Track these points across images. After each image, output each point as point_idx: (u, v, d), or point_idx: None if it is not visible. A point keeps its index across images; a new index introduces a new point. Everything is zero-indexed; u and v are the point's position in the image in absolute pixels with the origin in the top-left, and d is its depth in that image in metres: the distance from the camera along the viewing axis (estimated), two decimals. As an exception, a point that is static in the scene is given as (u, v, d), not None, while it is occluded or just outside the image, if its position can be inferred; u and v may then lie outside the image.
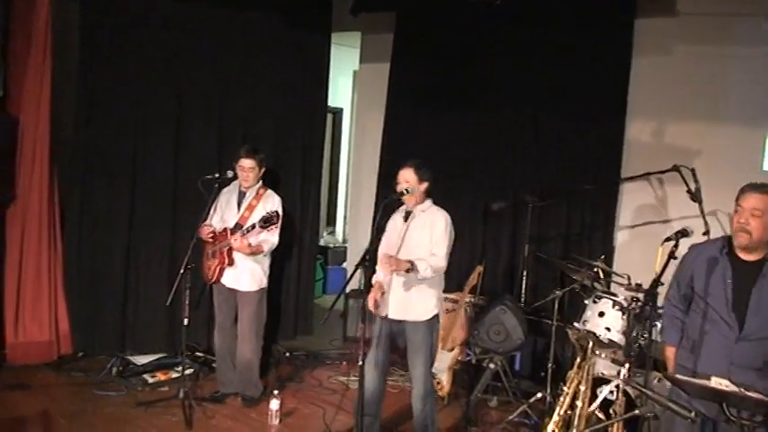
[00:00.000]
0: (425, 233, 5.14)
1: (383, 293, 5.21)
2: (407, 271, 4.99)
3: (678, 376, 3.36)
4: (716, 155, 6.58)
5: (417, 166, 5.19)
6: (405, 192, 5.11)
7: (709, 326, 3.97)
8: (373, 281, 5.27)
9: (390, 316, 5.21)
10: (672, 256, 3.84)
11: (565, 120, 7.30)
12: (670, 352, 4.29)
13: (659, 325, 4.62)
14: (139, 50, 7.02)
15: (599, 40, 7.14)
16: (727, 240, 4.01)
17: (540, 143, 7.49)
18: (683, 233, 3.90)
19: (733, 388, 3.28)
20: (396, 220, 5.36)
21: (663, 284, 3.95)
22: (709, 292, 3.97)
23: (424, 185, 5.19)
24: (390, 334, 5.32)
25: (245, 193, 6.14)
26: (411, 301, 5.16)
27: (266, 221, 5.72)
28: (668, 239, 3.93)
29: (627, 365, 4.49)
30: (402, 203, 5.29)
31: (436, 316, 5.23)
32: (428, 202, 5.26)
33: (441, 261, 5.04)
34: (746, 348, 3.85)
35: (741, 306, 3.87)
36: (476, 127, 7.88)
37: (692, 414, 2.80)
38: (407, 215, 5.27)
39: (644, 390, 2.81)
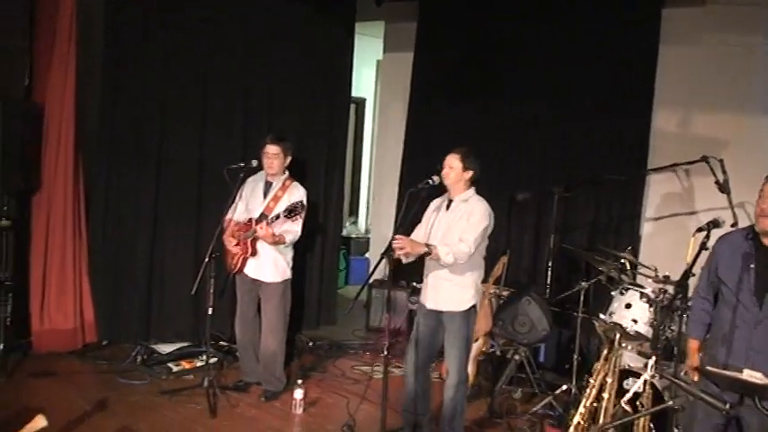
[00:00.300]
0: (462, 223, 5.10)
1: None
2: (426, 255, 4.98)
3: (710, 368, 3.31)
4: (744, 146, 6.50)
5: (464, 154, 5.14)
6: (429, 182, 5.07)
7: (733, 313, 3.92)
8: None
9: (429, 307, 5.21)
10: (703, 246, 3.79)
11: (591, 110, 7.26)
12: (693, 344, 4.21)
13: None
14: (163, 42, 7.03)
15: (626, 30, 7.08)
16: (753, 228, 3.95)
17: (566, 133, 7.45)
18: (715, 224, 3.85)
19: (766, 381, 3.23)
20: (433, 210, 5.31)
21: (694, 275, 3.89)
22: (733, 278, 3.92)
23: (469, 174, 5.14)
24: (431, 328, 5.30)
25: (271, 184, 6.11)
26: (448, 291, 5.14)
27: (291, 212, 5.70)
28: (700, 230, 3.88)
29: (654, 358, 4.46)
30: (437, 192, 5.25)
31: (473, 307, 5.20)
32: (470, 192, 5.20)
33: (466, 247, 4.97)
34: (764, 332, 3.79)
35: (762, 291, 3.81)
36: (500, 116, 7.85)
37: (727, 406, 2.76)
38: (449, 204, 5.23)
39: (677, 381, 2.76)
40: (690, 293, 4.26)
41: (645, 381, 4.85)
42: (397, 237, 4.87)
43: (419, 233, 5.29)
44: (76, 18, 6.53)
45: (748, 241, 3.92)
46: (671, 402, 3.20)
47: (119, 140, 6.94)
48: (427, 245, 4.97)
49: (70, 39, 6.53)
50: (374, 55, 10.29)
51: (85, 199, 6.89)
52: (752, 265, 3.85)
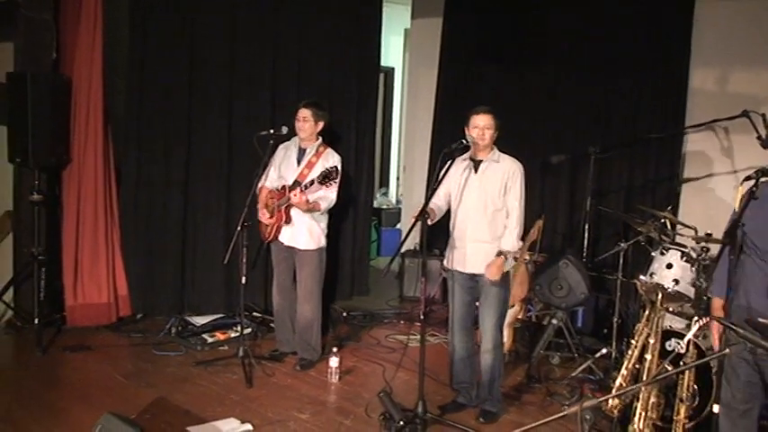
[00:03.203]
0: (498, 184, 5.05)
1: None
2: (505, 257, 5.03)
3: (761, 320, 3.19)
4: (784, 102, 6.33)
5: (495, 113, 5.06)
6: (463, 142, 4.97)
7: (757, 264, 3.80)
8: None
9: (465, 271, 5.15)
10: (752, 195, 3.64)
11: (627, 69, 7.11)
12: (717, 303, 4.05)
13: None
14: (191, 13, 6.94)
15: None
16: None
17: (602, 95, 7.31)
18: (764, 172, 3.69)
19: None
20: (459, 169, 5.20)
21: (743, 225, 3.76)
22: (757, 227, 3.79)
23: (496, 133, 5.07)
24: (468, 292, 5.26)
25: (304, 150, 6.04)
26: (486, 255, 5.07)
27: (325, 177, 5.61)
28: (748, 178, 3.73)
29: (696, 317, 4.34)
30: (466, 153, 5.16)
31: (509, 272, 5.18)
32: (497, 152, 5.13)
33: (518, 222, 5.05)
34: None
35: None
36: (533, 80, 7.73)
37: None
38: (477, 165, 5.13)
39: (730, 325, 2.64)
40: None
41: (688, 341, 4.76)
42: (488, 272, 5.01)
43: (440, 194, 5.20)
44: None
45: None
46: (726, 350, 3.08)
47: (147, 113, 6.88)
48: (500, 253, 5.01)
49: (96, 10, 6.48)
50: (402, 23, 10.18)
51: (116, 172, 6.85)
52: None
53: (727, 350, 3.15)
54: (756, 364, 3.81)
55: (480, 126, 5.02)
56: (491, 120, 5.02)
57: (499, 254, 4.99)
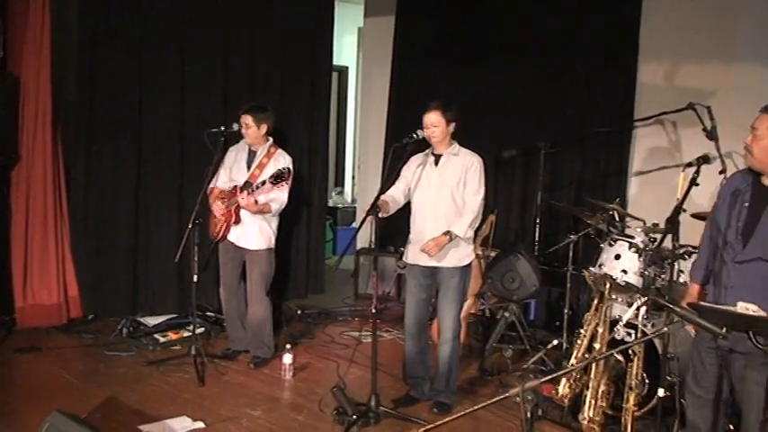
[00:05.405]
0: (457, 177, 5.08)
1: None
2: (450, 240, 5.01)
3: (703, 303, 3.24)
4: (731, 95, 6.40)
5: (444, 107, 5.08)
6: (414, 136, 5.01)
7: (721, 253, 3.88)
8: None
9: (427, 264, 5.17)
10: (693, 182, 3.71)
11: (576, 64, 7.20)
12: (693, 289, 4.14)
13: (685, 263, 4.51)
14: (141, 13, 6.89)
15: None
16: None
17: (552, 90, 7.38)
18: (705, 159, 3.78)
19: (761, 313, 3.15)
20: (418, 166, 5.24)
21: (685, 211, 3.82)
22: (725, 218, 3.87)
23: (452, 126, 5.10)
24: (425, 287, 5.30)
25: (255, 152, 6.02)
26: (448, 247, 5.09)
27: (277, 178, 5.60)
28: (689, 165, 3.81)
29: (643, 305, 4.41)
30: (418, 148, 5.19)
31: (469, 265, 5.23)
32: (456, 146, 5.18)
33: (473, 213, 5.06)
34: (743, 272, 3.72)
35: (749, 230, 3.75)
36: (484, 76, 7.77)
37: (723, 330, 2.69)
38: (437, 159, 5.16)
39: (672, 306, 2.69)
40: (680, 233, 4.17)
41: (636, 329, 4.84)
42: (425, 248, 4.99)
43: (399, 187, 5.24)
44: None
45: (746, 180, 3.86)
46: (665, 329, 3.13)
47: (98, 108, 6.81)
48: (446, 233, 4.99)
49: (44, 9, 6.40)
50: (356, 22, 10.17)
51: (65, 172, 6.77)
52: (745, 204, 3.80)
53: (665, 329, 3.19)
54: (720, 356, 3.87)
55: (428, 124, 5.07)
56: (438, 116, 5.05)
57: (446, 233, 5.00)
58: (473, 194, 5.06)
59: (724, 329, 2.70)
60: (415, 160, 5.26)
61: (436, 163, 5.16)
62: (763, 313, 3.17)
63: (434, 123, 5.05)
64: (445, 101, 5.15)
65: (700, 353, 3.98)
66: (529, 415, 2.55)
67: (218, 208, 6.00)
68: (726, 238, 3.82)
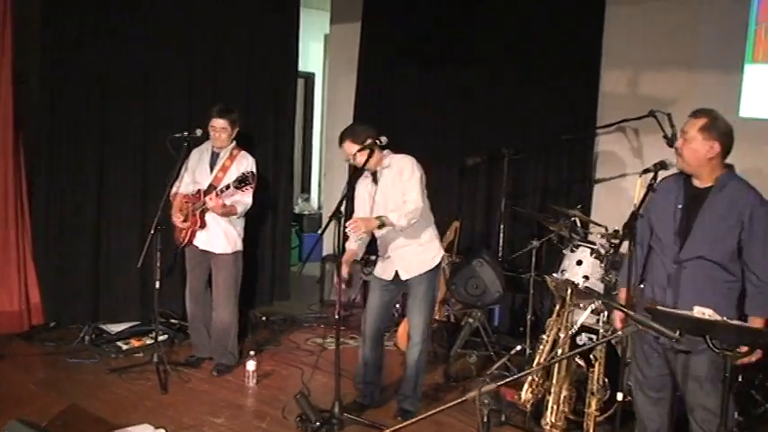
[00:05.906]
0: (397, 185, 5.07)
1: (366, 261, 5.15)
2: (380, 227, 4.94)
3: (660, 308, 3.28)
4: (692, 102, 6.35)
5: (353, 135, 5.08)
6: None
7: (658, 254, 3.95)
8: (346, 247, 5.21)
9: (401, 278, 5.20)
10: (650, 188, 3.77)
11: (539, 72, 7.24)
12: (621, 293, 4.19)
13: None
14: (105, 10, 6.83)
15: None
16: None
17: (515, 97, 7.41)
18: (662, 165, 3.84)
19: (716, 317, 3.20)
20: (364, 185, 5.28)
21: (642, 217, 3.88)
22: (661, 220, 3.96)
23: (375, 147, 5.02)
24: (387, 300, 5.36)
25: (218, 154, 5.99)
26: (414, 254, 5.14)
27: (241, 182, 5.59)
28: (646, 171, 3.86)
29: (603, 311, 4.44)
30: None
31: (439, 264, 5.25)
32: (387, 158, 5.16)
33: (413, 205, 4.95)
34: (682, 274, 3.80)
35: (684, 232, 3.84)
36: (448, 83, 7.82)
37: (677, 334, 2.73)
38: (374, 177, 5.20)
39: (626, 311, 2.72)
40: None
41: (598, 333, 4.88)
42: (351, 224, 4.88)
43: (359, 214, 5.26)
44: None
45: (678, 182, 3.94)
46: (620, 332, 3.16)
47: (60, 114, 6.73)
48: (377, 217, 4.94)
49: (6, 12, 6.33)
50: (322, 29, 10.19)
51: (27, 177, 6.70)
52: (679, 206, 3.89)
53: (620, 332, 3.23)
54: (664, 355, 3.92)
55: (353, 158, 5.07)
56: (348, 147, 5.08)
57: (377, 218, 4.95)
58: (411, 191, 5.00)
59: (677, 333, 2.73)
60: (360, 186, 5.31)
61: (375, 181, 5.20)
62: (718, 317, 3.21)
63: (349, 154, 5.07)
64: (355, 126, 5.36)
65: (645, 354, 4.04)
66: (486, 419, 2.57)
67: (177, 219, 5.97)
68: (661, 240, 3.90)
